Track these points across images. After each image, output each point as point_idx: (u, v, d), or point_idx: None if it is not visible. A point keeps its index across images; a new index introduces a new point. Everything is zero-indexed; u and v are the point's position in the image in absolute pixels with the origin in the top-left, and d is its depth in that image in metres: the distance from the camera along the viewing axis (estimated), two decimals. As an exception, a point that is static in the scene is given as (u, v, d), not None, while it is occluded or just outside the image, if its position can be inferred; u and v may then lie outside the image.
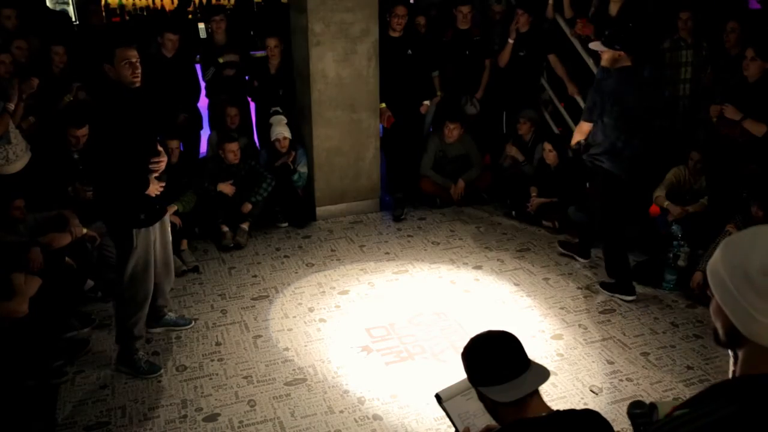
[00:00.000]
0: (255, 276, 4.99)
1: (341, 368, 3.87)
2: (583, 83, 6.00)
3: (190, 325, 4.28)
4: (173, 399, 3.61)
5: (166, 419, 3.46)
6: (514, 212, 6.02)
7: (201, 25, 8.28)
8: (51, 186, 4.73)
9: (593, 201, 4.77)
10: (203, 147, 6.32)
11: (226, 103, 5.94)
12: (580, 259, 5.18)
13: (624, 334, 4.21)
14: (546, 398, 1.98)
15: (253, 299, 4.65)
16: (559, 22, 6.25)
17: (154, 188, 3.64)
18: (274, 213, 5.89)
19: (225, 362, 3.94)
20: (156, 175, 3.66)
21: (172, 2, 8.98)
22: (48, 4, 7.97)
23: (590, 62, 5.90)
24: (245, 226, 5.51)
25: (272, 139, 5.77)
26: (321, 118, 5.76)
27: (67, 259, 4.23)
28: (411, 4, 6.71)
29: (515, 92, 6.22)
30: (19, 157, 4.65)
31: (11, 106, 4.48)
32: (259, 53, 6.52)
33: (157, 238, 3.80)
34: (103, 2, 8.71)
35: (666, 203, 5.09)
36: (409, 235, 5.71)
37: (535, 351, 3.96)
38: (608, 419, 1.83)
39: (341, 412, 3.50)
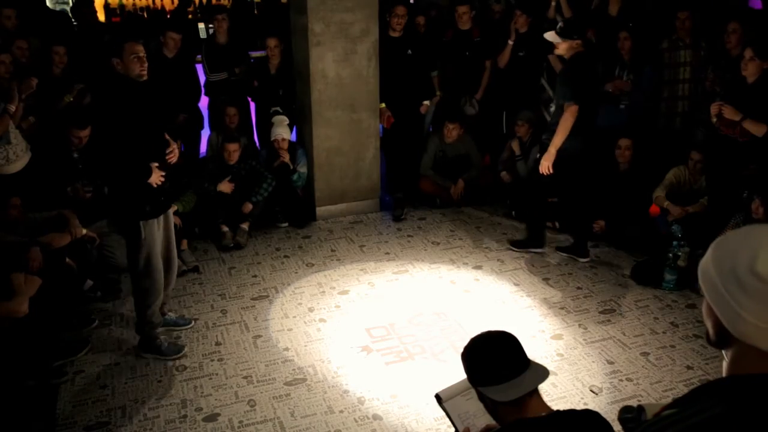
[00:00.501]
0: (255, 276, 5.00)
1: (341, 368, 3.87)
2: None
3: (190, 325, 4.28)
4: (173, 399, 3.61)
5: (166, 419, 3.46)
6: (514, 212, 6.02)
7: (201, 25, 8.30)
8: (51, 186, 4.74)
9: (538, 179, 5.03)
10: (203, 147, 6.32)
11: (225, 103, 5.94)
12: (580, 259, 5.18)
13: (624, 334, 4.21)
14: (546, 398, 1.98)
15: (253, 299, 4.65)
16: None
17: (156, 177, 3.67)
18: (274, 213, 5.89)
19: (225, 362, 3.94)
20: (168, 160, 3.72)
21: (173, 2, 8.97)
22: (48, 4, 7.97)
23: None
24: (245, 226, 5.51)
25: (271, 139, 5.77)
26: (321, 118, 5.76)
27: (67, 259, 4.23)
28: (411, 4, 6.72)
29: (515, 93, 6.22)
30: (19, 157, 4.65)
31: (12, 108, 4.48)
32: (258, 53, 6.53)
33: (161, 233, 3.84)
34: (103, 2, 8.73)
35: (666, 203, 5.10)
36: (409, 235, 5.71)
37: (535, 351, 3.96)
38: (608, 419, 1.84)
39: (341, 412, 3.51)
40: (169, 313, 4.26)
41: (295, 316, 4.43)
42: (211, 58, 6.11)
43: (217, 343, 4.12)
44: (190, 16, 8.85)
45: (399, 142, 6.23)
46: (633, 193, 5.28)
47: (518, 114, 6.13)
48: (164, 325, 4.20)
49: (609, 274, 5.00)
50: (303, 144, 6.01)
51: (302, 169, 5.87)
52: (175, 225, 4.84)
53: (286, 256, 5.32)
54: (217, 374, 3.82)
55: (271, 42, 5.92)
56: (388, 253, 5.36)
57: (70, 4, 8.32)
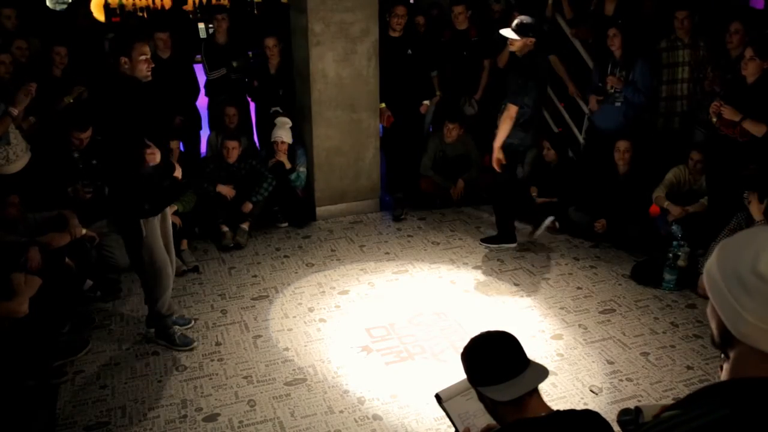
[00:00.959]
0: (255, 276, 5.00)
1: (341, 368, 3.87)
2: (583, 83, 6.01)
3: (190, 325, 4.28)
4: (173, 399, 3.61)
5: (166, 419, 3.46)
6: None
7: (201, 25, 8.29)
8: (51, 186, 4.74)
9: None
10: (203, 147, 6.32)
11: (225, 103, 5.94)
12: (508, 245, 5.33)
13: (624, 334, 4.21)
14: (546, 398, 1.98)
15: (253, 299, 4.65)
16: (559, 23, 6.25)
17: (152, 156, 3.61)
18: (274, 213, 5.89)
19: (225, 362, 3.94)
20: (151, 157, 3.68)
21: (172, 2, 8.97)
22: (48, 4, 7.97)
23: (590, 62, 5.92)
24: (245, 226, 5.51)
25: (271, 140, 5.77)
26: (321, 118, 5.76)
27: (66, 260, 4.23)
28: (411, 3, 6.72)
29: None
30: (19, 157, 4.65)
31: (15, 112, 4.47)
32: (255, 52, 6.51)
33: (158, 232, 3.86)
34: (103, 2, 8.73)
35: (666, 203, 5.10)
36: (409, 235, 5.71)
37: (535, 351, 3.96)
38: (608, 419, 1.84)
39: (341, 412, 3.51)
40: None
41: (295, 316, 4.43)
42: (210, 58, 6.12)
43: (217, 343, 4.12)
44: (191, 16, 8.84)
45: (399, 142, 6.23)
46: (633, 193, 5.29)
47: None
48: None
49: (609, 274, 5.00)
50: (303, 144, 6.02)
51: (302, 168, 5.87)
52: (175, 225, 4.86)
53: (286, 256, 5.32)
54: (217, 374, 3.82)
55: (270, 41, 5.91)
56: (388, 253, 5.36)
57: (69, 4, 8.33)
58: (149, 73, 3.59)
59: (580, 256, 5.29)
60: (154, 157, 3.65)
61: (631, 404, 3.51)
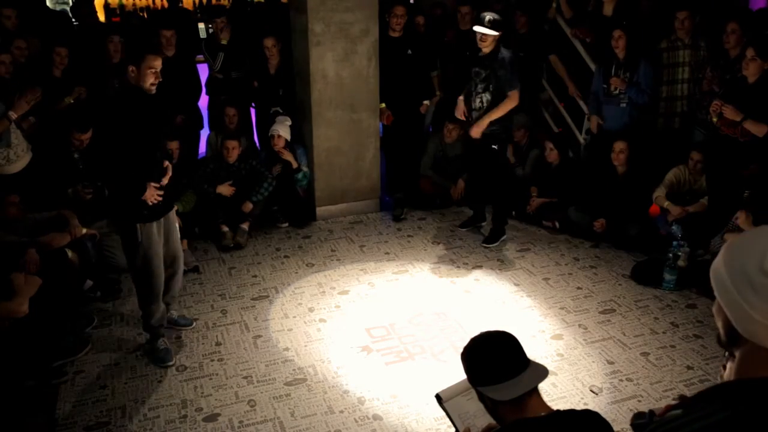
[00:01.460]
0: (255, 276, 5.00)
1: (341, 368, 3.87)
2: (583, 83, 6.01)
3: (191, 326, 4.28)
4: (173, 399, 3.61)
5: (166, 419, 3.46)
6: (513, 212, 6.02)
7: (201, 25, 8.28)
8: (51, 187, 4.74)
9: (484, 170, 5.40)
10: (203, 147, 6.32)
11: (225, 104, 5.94)
12: (502, 238, 5.46)
13: (624, 334, 4.21)
14: (546, 398, 1.98)
15: (253, 299, 4.65)
16: (560, 23, 6.25)
17: (151, 195, 3.66)
18: (274, 213, 5.89)
19: (225, 362, 3.94)
20: (156, 185, 3.69)
21: (170, 2, 8.96)
22: (48, 4, 7.97)
23: (590, 62, 5.92)
24: (245, 226, 5.51)
25: (269, 134, 5.78)
26: (321, 118, 5.76)
27: (69, 254, 4.23)
28: (411, 3, 6.72)
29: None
30: (19, 157, 4.65)
31: (14, 115, 4.47)
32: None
33: (161, 237, 3.82)
34: (103, 2, 8.73)
35: (666, 203, 5.10)
36: (409, 235, 5.71)
37: (535, 351, 3.96)
38: (608, 419, 1.84)
39: (341, 412, 3.51)
40: (172, 312, 4.25)
41: (295, 316, 4.43)
42: (211, 52, 6.12)
43: (217, 344, 4.12)
44: (198, 15, 8.82)
45: (399, 142, 6.23)
46: (633, 193, 5.29)
47: (513, 119, 6.11)
48: (167, 322, 4.19)
49: (609, 274, 5.00)
50: (303, 144, 6.02)
51: (305, 168, 5.88)
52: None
53: (286, 256, 5.32)
54: (217, 374, 3.82)
55: (269, 42, 5.90)
56: (388, 253, 5.36)
57: (70, 4, 8.32)
58: (153, 88, 3.54)
59: (580, 256, 5.29)
60: (153, 195, 3.64)
61: (631, 404, 3.53)
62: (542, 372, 1.92)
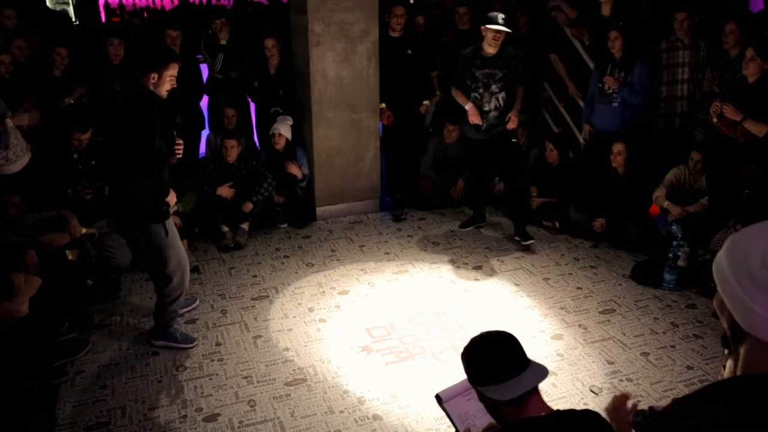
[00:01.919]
0: (255, 276, 5.00)
1: (341, 368, 3.87)
2: (583, 83, 6.01)
3: (195, 304, 4.41)
4: (173, 399, 3.61)
5: (166, 419, 3.46)
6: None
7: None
8: (51, 187, 4.73)
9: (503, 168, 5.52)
10: (203, 147, 6.31)
11: (224, 104, 5.93)
12: (523, 242, 5.40)
13: (624, 334, 4.21)
14: (546, 398, 1.98)
15: (253, 299, 4.65)
16: (559, 23, 6.25)
17: (173, 197, 3.82)
18: (274, 213, 5.89)
19: (225, 362, 3.94)
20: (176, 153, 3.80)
21: (172, 2, 8.96)
22: (48, 4, 7.97)
23: (590, 62, 5.92)
24: (245, 226, 5.51)
25: (270, 133, 5.78)
26: (321, 118, 5.76)
27: (69, 256, 4.23)
28: (411, 3, 6.72)
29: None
30: (19, 157, 4.65)
31: (10, 123, 4.47)
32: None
33: None
34: (103, 2, 8.73)
35: (666, 203, 5.10)
36: (409, 235, 5.71)
37: (535, 351, 3.95)
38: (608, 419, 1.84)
39: (341, 412, 3.51)
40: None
41: (295, 316, 4.43)
42: (212, 55, 6.11)
43: (217, 344, 4.12)
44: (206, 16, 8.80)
45: (399, 142, 6.23)
46: (633, 193, 5.29)
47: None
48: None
49: (609, 274, 5.00)
50: (303, 144, 6.02)
51: (306, 170, 5.89)
52: (175, 225, 4.86)
53: (286, 256, 5.32)
54: (217, 374, 3.82)
55: (269, 42, 5.90)
56: (388, 253, 5.36)
57: (71, 4, 8.32)
58: (167, 93, 3.63)
59: (580, 256, 5.29)
60: (181, 149, 3.76)
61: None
62: (542, 372, 1.92)
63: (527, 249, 5.36)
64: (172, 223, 3.86)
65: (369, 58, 5.73)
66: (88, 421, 3.44)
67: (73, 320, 4.22)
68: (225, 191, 5.51)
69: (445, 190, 6.21)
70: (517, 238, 5.43)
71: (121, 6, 9.01)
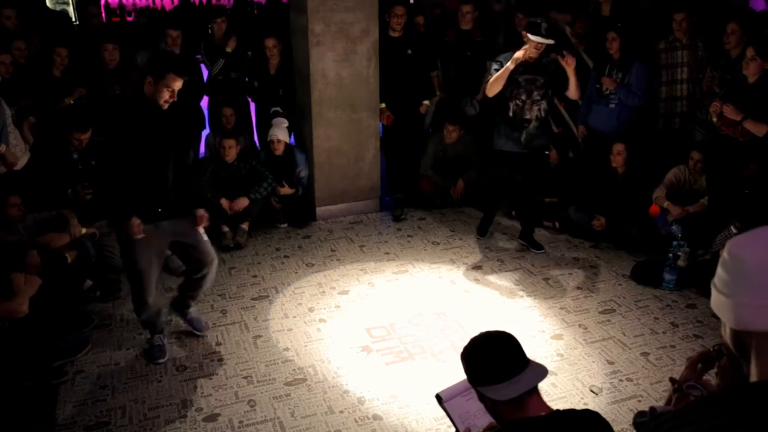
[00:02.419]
0: (255, 276, 5.00)
1: (341, 368, 3.87)
2: (583, 83, 6.00)
3: (201, 333, 4.19)
4: (173, 399, 3.61)
5: (166, 419, 3.46)
6: (514, 212, 6.02)
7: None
8: (51, 187, 4.73)
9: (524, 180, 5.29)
10: (203, 147, 6.31)
11: (222, 104, 5.93)
12: (534, 250, 5.34)
13: (624, 334, 4.21)
14: (546, 398, 1.98)
15: (253, 299, 4.65)
16: (560, 23, 6.24)
17: (135, 229, 3.58)
18: (275, 213, 5.89)
19: (225, 362, 3.94)
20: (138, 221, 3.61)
21: (172, 2, 8.96)
22: (48, 4, 7.97)
23: (590, 62, 5.91)
24: (245, 226, 5.51)
25: (267, 139, 5.78)
26: (321, 118, 5.76)
27: (69, 259, 4.23)
28: (411, 3, 6.72)
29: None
30: (18, 157, 4.65)
31: (3, 148, 4.46)
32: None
33: (159, 241, 3.82)
34: (103, 2, 8.72)
35: (666, 203, 5.10)
36: (409, 235, 5.71)
37: (535, 351, 3.96)
38: (608, 419, 1.84)
39: (341, 412, 3.51)
40: (192, 310, 4.19)
41: (295, 316, 4.43)
42: (210, 57, 6.11)
43: (218, 344, 4.12)
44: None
45: (399, 142, 6.23)
46: (633, 193, 5.29)
47: None
48: (182, 317, 4.17)
49: (609, 274, 5.00)
50: (303, 144, 6.01)
51: (303, 174, 5.88)
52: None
53: (286, 256, 5.32)
54: (217, 374, 3.82)
55: (269, 42, 5.91)
56: (388, 253, 5.36)
57: (71, 4, 8.32)
58: (166, 105, 3.49)
59: (580, 256, 5.29)
60: (133, 231, 3.55)
61: (631, 404, 3.53)
62: (542, 372, 1.92)
63: (535, 250, 5.36)
64: (140, 242, 3.61)
65: (369, 58, 5.73)
66: (88, 421, 3.44)
67: (73, 320, 4.22)
68: (225, 203, 5.46)
69: (445, 190, 6.21)
70: (523, 243, 5.42)
71: (121, 6, 9.00)
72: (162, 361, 3.91)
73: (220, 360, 3.96)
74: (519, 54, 4.72)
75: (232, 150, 5.53)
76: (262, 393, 3.65)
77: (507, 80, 4.79)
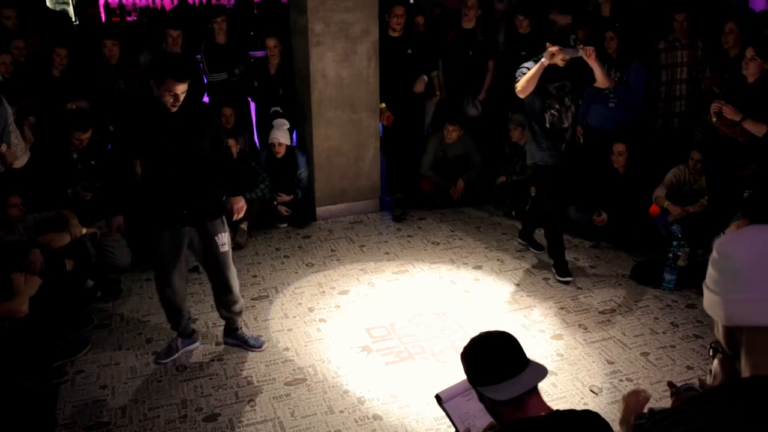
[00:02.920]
0: (255, 276, 4.99)
1: (341, 368, 3.87)
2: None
3: (260, 348, 4.06)
4: (173, 399, 3.61)
5: (166, 419, 3.46)
6: (514, 212, 6.02)
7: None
8: (51, 187, 4.73)
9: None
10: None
11: (221, 104, 5.93)
12: (561, 278, 4.96)
13: (624, 334, 4.21)
14: (546, 398, 1.98)
15: (253, 299, 4.65)
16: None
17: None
18: (277, 215, 5.88)
19: (225, 362, 3.94)
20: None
21: (172, 2, 8.96)
22: (48, 4, 7.97)
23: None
24: (244, 226, 5.51)
25: (269, 142, 5.78)
26: (321, 118, 5.77)
27: (68, 266, 4.22)
28: (411, 3, 6.71)
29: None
30: (18, 157, 4.64)
31: (4, 148, 4.46)
32: (259, 54, 6.50)
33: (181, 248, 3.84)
34: (102, 2, 8.72)
35: (666, 203, 5.10)
36: (409, 235, 5.71)
37: (535, 351, 3.96)
38: (608, 419, 1.84)
39: (341, 412, 3.51)
40: (243, 330, 4.14)
41: (295, 316, 4.43)
42: (210, 59, 6.11)
43: (217, 344, 4.12)
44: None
45: (399, 142, 6.23)
46: (633, 193, 5.28)
47: (510, 118, 6.10)
48: (236, 340, 4.09)
49: (609, 274, 5.00)
50: (303, 144, 6.01)
51: (303, 175, 5.88)
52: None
53: (286, 256, 5.32)
54: (217, 374, 3.82)
55: (271, 42, 5.92)
56: (388, 253, 5.36)
57: (71, 4, 8.31)
58: (173, 108, 3.45)
59: (580, 256, 5.29)
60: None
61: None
62: (542, 372, 1.93)
63: (535, 250, 5.31)
64: (166, 240, 3.67)
65: (369, 58, 5.73)
66: (88, 421, 3.44)
67: (74, 320, 4.22)
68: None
69: (445, 190, 6.21)
70: (523, 243, 5.39)
71: (121, 6, 9.00)
72: (164, 362, 3.91)
73: (220, 360, 3.96)
74: (545, 60, 4.55)
75: (231, 150, 5.53)
76: (262, 393, 3.65)
77: (538, 92, 4.63)
